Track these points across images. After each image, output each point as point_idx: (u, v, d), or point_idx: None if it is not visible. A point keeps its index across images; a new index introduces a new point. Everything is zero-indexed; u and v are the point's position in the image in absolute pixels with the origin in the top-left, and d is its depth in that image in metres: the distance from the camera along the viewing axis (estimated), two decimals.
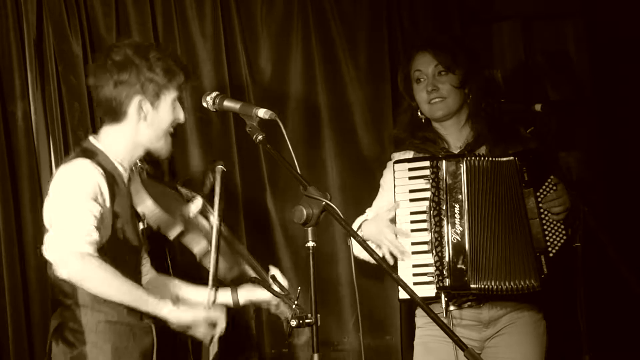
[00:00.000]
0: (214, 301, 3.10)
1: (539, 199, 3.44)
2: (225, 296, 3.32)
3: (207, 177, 3.15)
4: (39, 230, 3.19)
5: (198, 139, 3.98)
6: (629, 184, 4.62)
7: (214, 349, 3.03)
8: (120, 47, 3.07)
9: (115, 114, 3.06)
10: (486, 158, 3.48)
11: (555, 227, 3.43)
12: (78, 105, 3.79)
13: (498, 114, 3.58)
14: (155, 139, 3.10)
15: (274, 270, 3.34)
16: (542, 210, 3.44)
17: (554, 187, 3.44)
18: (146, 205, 3.10)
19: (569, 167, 3.84)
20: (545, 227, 3.43)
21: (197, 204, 3.25)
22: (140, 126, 3.07)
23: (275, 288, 3.20)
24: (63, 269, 2.89)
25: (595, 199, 4.38)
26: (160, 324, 3.06)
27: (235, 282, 3.32)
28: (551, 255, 3.41)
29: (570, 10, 4.73)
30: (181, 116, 3.14)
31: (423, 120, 3.65)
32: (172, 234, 3.15)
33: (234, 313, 3.94)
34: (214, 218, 3.10)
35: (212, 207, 3.11)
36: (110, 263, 2.99)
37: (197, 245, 3.17)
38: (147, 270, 3.30)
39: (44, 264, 3.10)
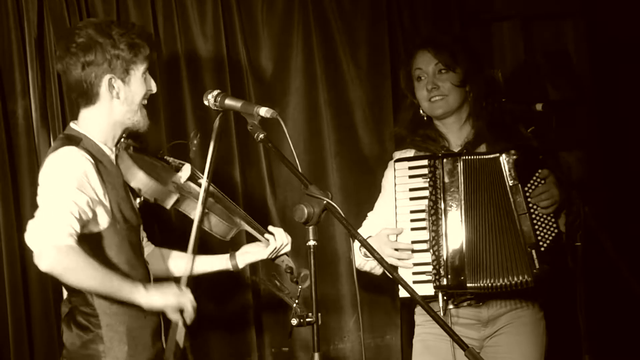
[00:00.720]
0: (191, 271, 3.11)
1: (527, 194, 3.44)
2: (224, 262, 3.36)
3: (192, 143, 3.15)
4: None
5: (199, 137, 3.97)
6: (630, 184, 4.63)
7: (181, 331, 3.04)
8: (82, 29, 3.07)
9: (88, 95, 3.08)
10: (476, 156, 3.49)
11: (546, 221, 3.44)
12: None
13: (499, 113, 3.58)
14: (131, 114, 3.12)
15: (273, 229, 3.35)
16: (530, 205, 3.44)
17: (542, 181, 3.45)
18: (139, 179, 3.11)
19: (569, 166, 3.84)
20: (535, 221, 3.43)
21: (186, 170, 3.28)
22: (114, 104, 3.09)
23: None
24: (43, 261, 2.86)
25: (596, 198, 4.38)
26: None
27: (235, 241, 3.35)
28: (542, 249, 3.41)
29: (570, 10, 4.74)
30: (153, 86, 3.17)
31: (425, 118, 3.66)
32: (169, 203, 3.16)
33: (235, 311, 3.97)
34: (204, 181, 3.11)
35: (202, 172, 3.12)
36: (115, 247, 3.00)
37: (193, 211, 3.18)
38: (145, 243, 3.31)
39: None
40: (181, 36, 3.98)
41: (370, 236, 3.57)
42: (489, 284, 3.42)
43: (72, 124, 3.14)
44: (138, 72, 3.10)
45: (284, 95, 4.16)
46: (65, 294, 3.09)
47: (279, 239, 3.33)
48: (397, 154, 3.67)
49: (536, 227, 3.43)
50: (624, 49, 4.72)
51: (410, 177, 3.54)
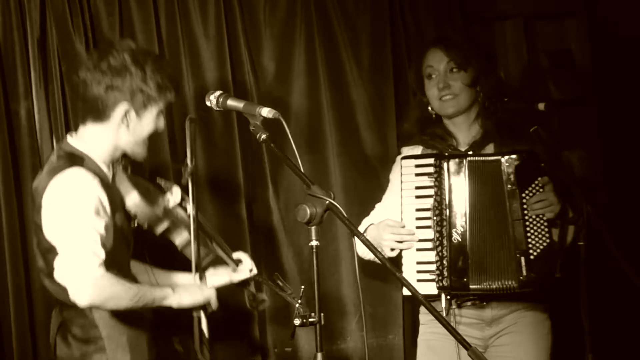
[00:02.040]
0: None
1: (524, 200, 3.43)
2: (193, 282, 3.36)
3: (185, 168, 3.16)
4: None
5: (201, 138, 3.97)
6: (632, 183, 4.63)
7: (204, 323, 3.12)
8: (119, 51, 3.07)
9: (99, 114, 3.08)
10: (481, 157, 3.48)
11: (539, 230, 3.42)
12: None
13: (508, 113, 3.55)
14: (134, 145, 3.14)
15: (240, 255, 3.41)
16: (525, 212, 3.43)
17: (541, 189, 3.43)
18: (136, 204, 3.12)
19: (571, 165, 3.84)
20: (528, 228, 3.42)
21: (176, 195, 3.28)
22: (122, 130, 3.10)
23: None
24: (82, 297, 2.91)
25: (598, 197, 4.38)
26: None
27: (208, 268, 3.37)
28: (532, 257, 3.40)
29: (572, 9, 4.73)
30: (161, 127, 3.18)
31: (434, 116, 3.66)
32: (160, 229, 3.17)
33: (238, 311, 3.97)
34: (191, 207, 3.11)
35: (188, 195, 3.14)
36: (114, 266, 3.00)
37: (178, 237, 3.20)
38: None
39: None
40: (183, 36, 3.98)
41: (372, 223, 3.57)
42: (488, 286, 3.42)
43: (70, 140, 3.13)
44: (154, 110, 3.11)
45: (286, 96, 4.16)
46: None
47: (246, 265, 3.38)
48: (405, 150, 3.67)
49: (528, 234, 3.41)
50: (626, 48, 4.73)
51: (417, 175, 3.53)
